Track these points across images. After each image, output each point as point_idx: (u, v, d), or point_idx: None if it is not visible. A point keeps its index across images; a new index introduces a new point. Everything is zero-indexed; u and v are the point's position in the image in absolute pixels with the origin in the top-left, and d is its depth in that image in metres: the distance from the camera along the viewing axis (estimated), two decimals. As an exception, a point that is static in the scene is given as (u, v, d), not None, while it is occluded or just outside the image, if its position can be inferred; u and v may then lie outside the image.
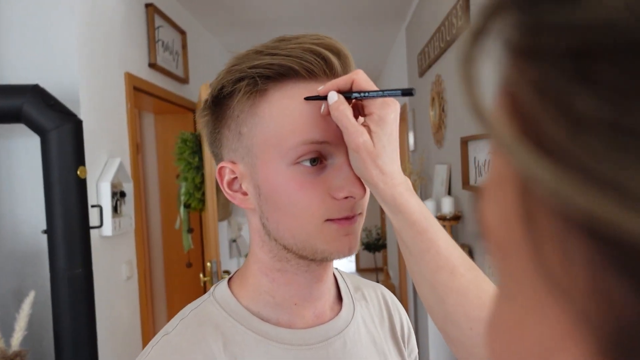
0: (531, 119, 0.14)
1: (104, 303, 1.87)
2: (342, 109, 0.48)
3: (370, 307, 0.63)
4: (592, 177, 0.12)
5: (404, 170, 3.34)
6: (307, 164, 0.49)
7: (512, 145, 0.13)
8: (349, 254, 0.52)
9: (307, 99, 0.50)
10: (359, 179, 0.50)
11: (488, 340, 0.19)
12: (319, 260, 0.53)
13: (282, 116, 0.50)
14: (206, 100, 0.55)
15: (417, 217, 0.50)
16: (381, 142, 0.49)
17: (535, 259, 0.15)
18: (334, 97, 0.48)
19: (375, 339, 0.60)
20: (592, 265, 0.13)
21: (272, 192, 0.51)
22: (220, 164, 0.54)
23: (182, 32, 2.88)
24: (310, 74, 0.50)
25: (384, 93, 0.48)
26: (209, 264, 2.35)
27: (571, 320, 0.14)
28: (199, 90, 2.44)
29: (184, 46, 2.90)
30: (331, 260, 0.53)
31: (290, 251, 0.52)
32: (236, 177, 0.54)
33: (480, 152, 1.74)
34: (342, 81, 0.49)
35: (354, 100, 0.50)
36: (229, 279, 0.58)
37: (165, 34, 2.63)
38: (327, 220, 0.50)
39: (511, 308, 0.17)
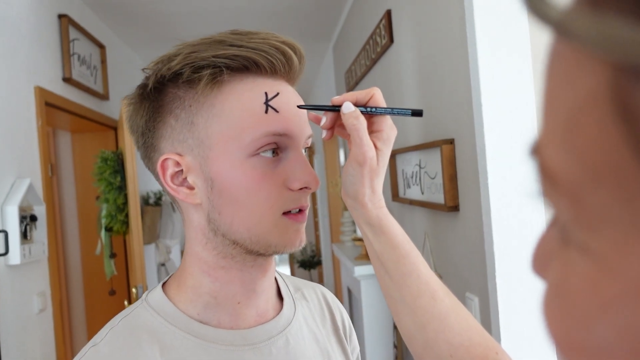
0: None
1: (12, 341, 1.69)
2: (360, 120, 0.49)
3: (311, 306, 0.63)
4: None
5: (335, 185, 3.38)
6: (269, 154, 0.49)
7: (627, 30, 0.12)
8: (299, 247, 0.52)
9: (301, 106, 0.51)
10: (313, 170, 0.51)
11: (562, 325, 0.17)
12: (268, 255, 0.52)
13: (242, 110, 0.49)
14: (145, 85, 0.51)
15: (400, 239, 0.51)
16: (382, 162, 0.51)
17: None
18: (350, 107, 0.50)
19: (317, 337, 0.60)
20: None
21: (228, 185, 0.49)
22: (164, 156, 0.50)
23: (101, 46, 2.74)
24: (272, 70, 0.51)
25: (392, 111, 0.50)
26: (134, 290, 2.20)
27: None
28: (120, 106, 2.31)
29: (103, 61, 2.75)
30: (282, 253, 0.53)
31: (241, 246, 0.51)
32: (181, 170, 0.51)
33: (407, 165, 1.80)
34: (361, 94, 0.51)
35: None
36: (163, 284, 0.56)
37: (82, 47, 2.48)
38: (283, 214, 0.50)
39: (586, 263, 0.16)
